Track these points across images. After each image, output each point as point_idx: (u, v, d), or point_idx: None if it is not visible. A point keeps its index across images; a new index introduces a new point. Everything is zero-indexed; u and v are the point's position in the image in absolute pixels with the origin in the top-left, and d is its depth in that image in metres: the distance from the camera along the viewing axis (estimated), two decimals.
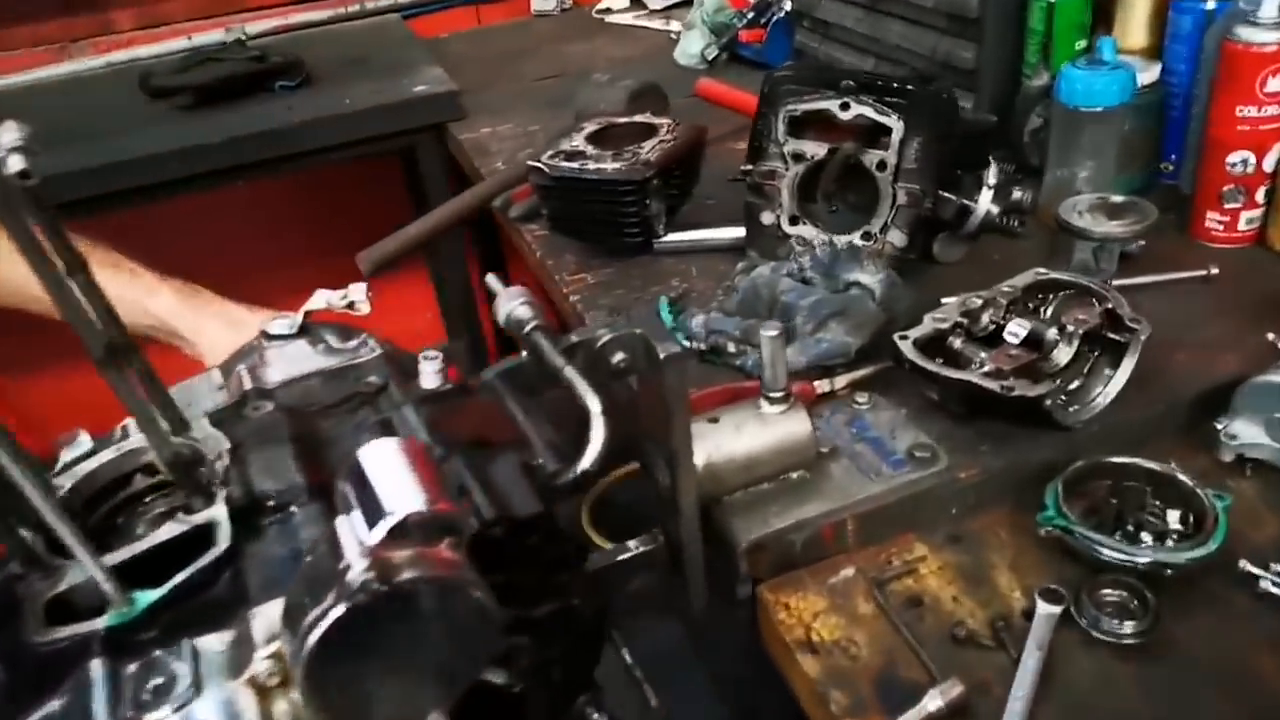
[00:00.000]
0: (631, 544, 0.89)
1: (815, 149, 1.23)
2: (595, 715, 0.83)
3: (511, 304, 0.82)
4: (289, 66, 2.09)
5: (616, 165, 1.32)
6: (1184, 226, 1.32)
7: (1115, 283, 1.22)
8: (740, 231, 1.35)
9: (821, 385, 1.07)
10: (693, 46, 2.20)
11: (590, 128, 1.43)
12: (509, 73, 2.31)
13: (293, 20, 2.55)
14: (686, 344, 1.18)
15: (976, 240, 1.31)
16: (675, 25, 2.43)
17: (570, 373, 0.74)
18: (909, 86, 1.18)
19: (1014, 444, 0.98)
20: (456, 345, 2.33)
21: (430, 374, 0.75)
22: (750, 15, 2.10)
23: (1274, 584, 0.83)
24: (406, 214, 2.01)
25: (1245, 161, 1.21)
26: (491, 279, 0.87)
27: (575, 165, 1.33)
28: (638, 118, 1.46)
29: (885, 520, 0.94)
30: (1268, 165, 1.21)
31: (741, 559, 0.91)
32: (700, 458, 0.90)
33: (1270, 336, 1.03)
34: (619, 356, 0.81)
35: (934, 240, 1.30)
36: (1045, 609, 0.83)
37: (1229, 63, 1.18)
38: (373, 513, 0.54)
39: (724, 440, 0.92)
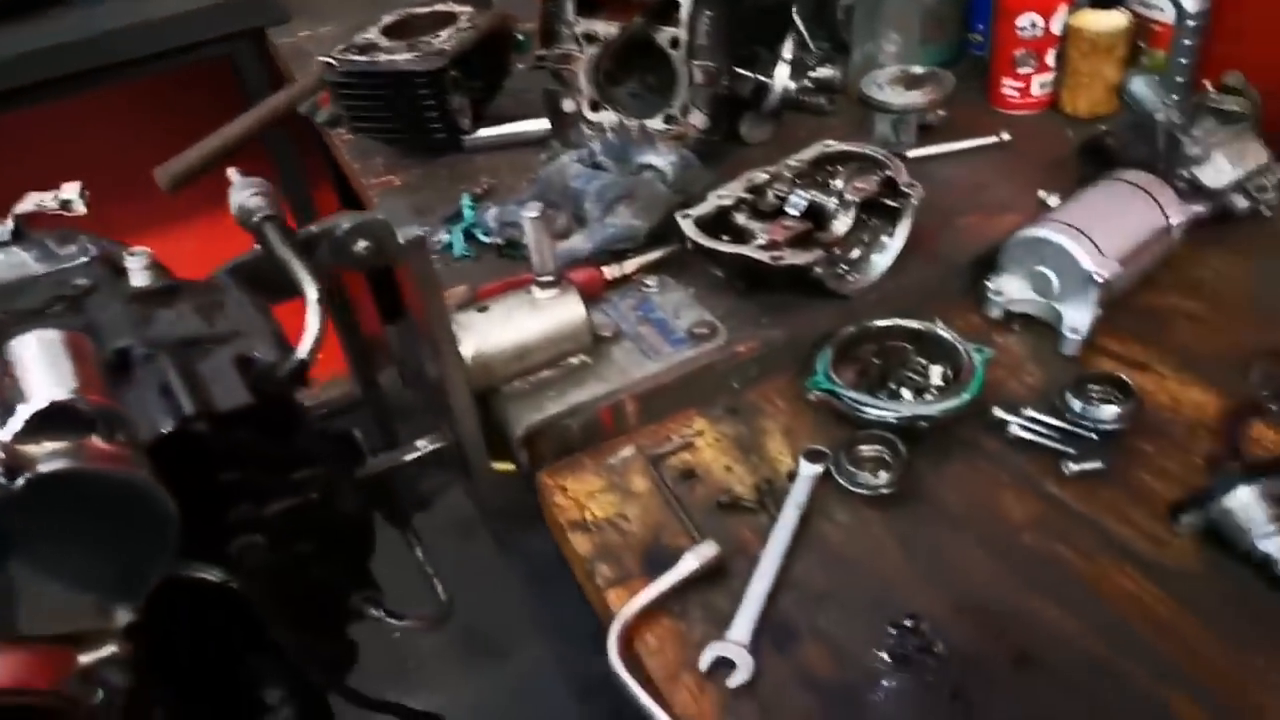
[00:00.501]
0: (420, 443, 0.88)
1: (606, 28, 1.19)
2: (372, 611, 0.83)
3: (242, 194, 0.78)
4: None
5: (409, 56, 1.26)
6: (986, 96, 1.33)
7: (915, 153, 1.23)
8: (545, 124, 1.31)
9: (611, 270, 1.05)
10: None
11: (387, 19, 1.37)
12: None
13: None
14: (485, 239, 1.15)
15: (781, 119, 1.30)
16: None
17: (288, 259, 0.71)
18: None
19: (794, 316, 0.99)
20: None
21: (138, 271, 0.71)
22: None
23: (1021, 428, 0.85)
24: None
25: (1034, 24, 1.22)
26: (232, 171, 0.83)
27: (366, 59, 1.27)
28: (437, 6, 1.39)
29: (665, 398, 0.94)
30: (1055, 27, 1.22)
31: (519, 447, 0.90)
32: (469, 348, 0.89)
33: (1040, 194, 1.04)
34: (362, 245, 0.78)
35: (739, 121, 1.29)
36: (807, 469, 0.85)
37: None
38: (11, 405, 0.51)
39: (493, 329, 0.90)
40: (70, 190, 0.78)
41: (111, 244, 0.79)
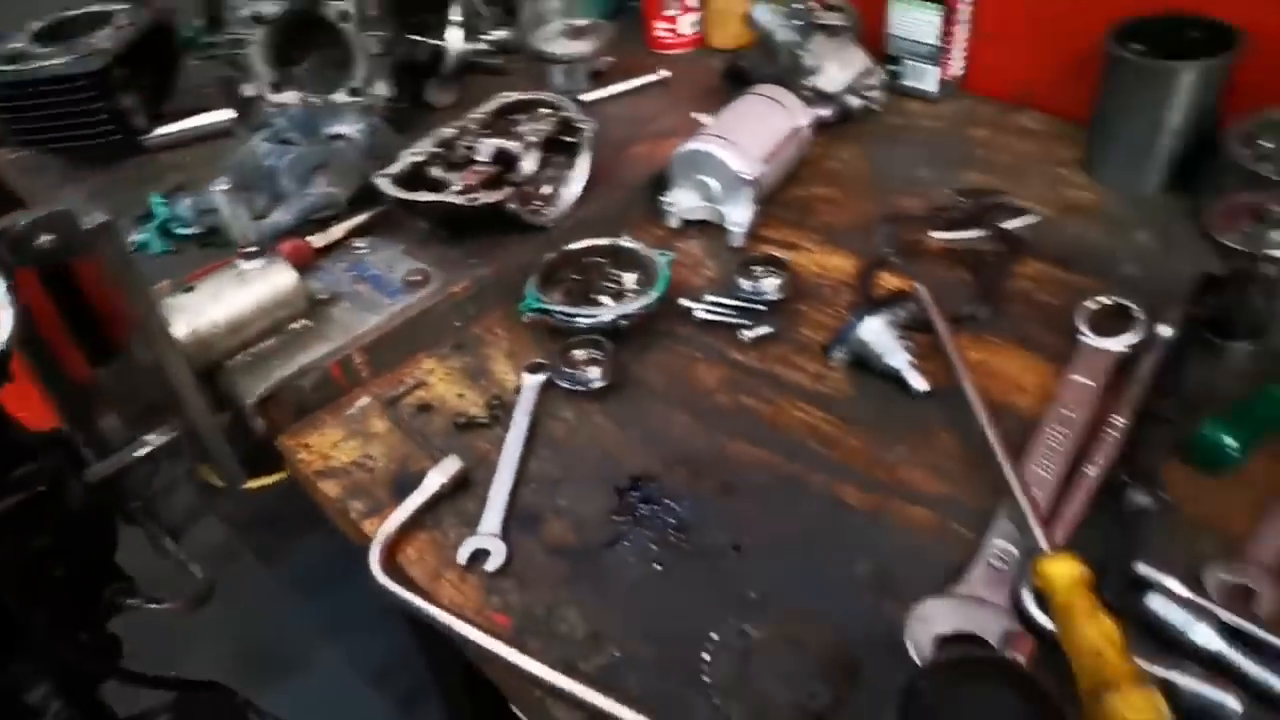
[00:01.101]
0: (150, 438, 0.88)
1: (272, 7, 1.21)
2: (129, 601, 0.83)
3: None
4: None
5: (67, 59, 1.22)
6: (644, 40, 1.47)
7: (589, 96, 1.35)
8: (231, 113, 1.31)
9: (318, 239, 1.09)
10: None
11: (36, 25, 1.31)
12: None
13: None
14: (184, 231, 1.15)
15: (464, 81, 1.37)
16: None
17: None
18: None
19: (501, 252, 1.07)
20: None
21: None
22: None
23: (705, 311, 0.99)
24: None
25: None
26: None
27: (16, 67, 1.21)
28: (90, 8, 1.34)
29: (392, 346, 1.00)
30: None
31: (253, 416, 0.93)
32: (182, 328, 0.90)
33: (694, 115, 1.19)
34: (45, 239, 0.78)
35: (423, 87, 1.35)
36: (529, 380, 0.94)
37: None
38: None
39: (205, 306, 0.92)
40: None
41: None
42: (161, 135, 1.33)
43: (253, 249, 0.93)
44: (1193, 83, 0.99)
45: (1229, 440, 0.75)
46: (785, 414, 0.88)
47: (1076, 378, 0.85)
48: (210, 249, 1.13)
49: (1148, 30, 1.04)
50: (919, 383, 0.86)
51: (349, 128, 1.16)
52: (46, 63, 1.22)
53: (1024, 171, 1.15)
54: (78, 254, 0.80)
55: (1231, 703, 0.59)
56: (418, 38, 1.27)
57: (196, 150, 1.34)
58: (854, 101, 1.23)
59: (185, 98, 1.40)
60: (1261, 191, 0.80)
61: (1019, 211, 1.05)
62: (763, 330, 0.96)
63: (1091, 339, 0.88)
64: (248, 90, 1.27)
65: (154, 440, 0.88)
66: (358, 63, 1.25)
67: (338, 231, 1.10)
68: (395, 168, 1.08)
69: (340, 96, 1.26)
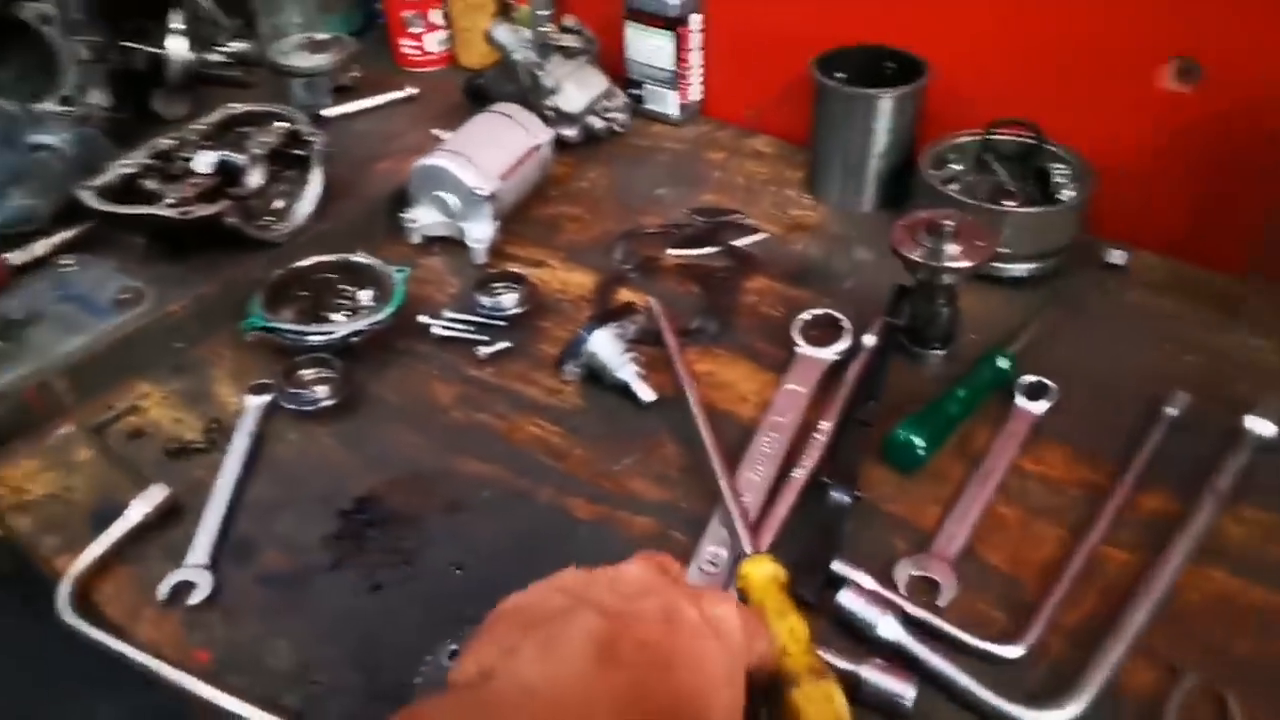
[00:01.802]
0: None
1: None
2: None
3: None
4: None
5: None
6: (392, 58, 1.45)
7: (331, 111, 1.31)
8: None
9: (17, 256, 1.00)
10: None
11: None
12: None
13: None
14: None
15: (197, 92, 1.30)
16: None
17: None
18: None
19: (226, 269, 1.02)
20: None
21: None
22: None
23: (443, 327, 0.98)
24: None
25: None
26: None
27: None
28: None
29: (100, 370, 0.93)
30: None
31: None
32: None
33: (434, 131, 1.18)
34: None
35: (149, 97, 1.27)
36: (251, 401, 0.89)
37: None
38: None
39: None
40: None
41: None
42: None
43: None
44: (890, 109, 1.09)
45: (918, 440, 0.82)
46: (519, 429, 0.88)
47: (790, 386, 0.90)
48: None
49: (849, 60, 1.13)
50: (646, 393, 0.89)
51: (54, 138, 1.07)
52: None
53: (756, 192, 1.21)
54: None
55: (909, 693, 0.63)
56: (134, 44, 1.19)
57: None
58: (597, 123, 1.26)
59: None
60: (934, 208, 0.88)
61: (750, 230, 1.11)
62: (500, 346, 0.96)
63: (805, 349, 0.94)
64: None
65: None
66: (66, 70, 1.15)
67: (40, 248, 1.01)
68: (102, 179, 1.00)
69: (50, 105, 1.16)
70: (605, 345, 0.90)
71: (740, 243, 1.10)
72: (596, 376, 0.92)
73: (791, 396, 0.89)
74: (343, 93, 1.36)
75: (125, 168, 1.02)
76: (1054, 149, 1.04)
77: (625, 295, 1.04)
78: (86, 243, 1.04)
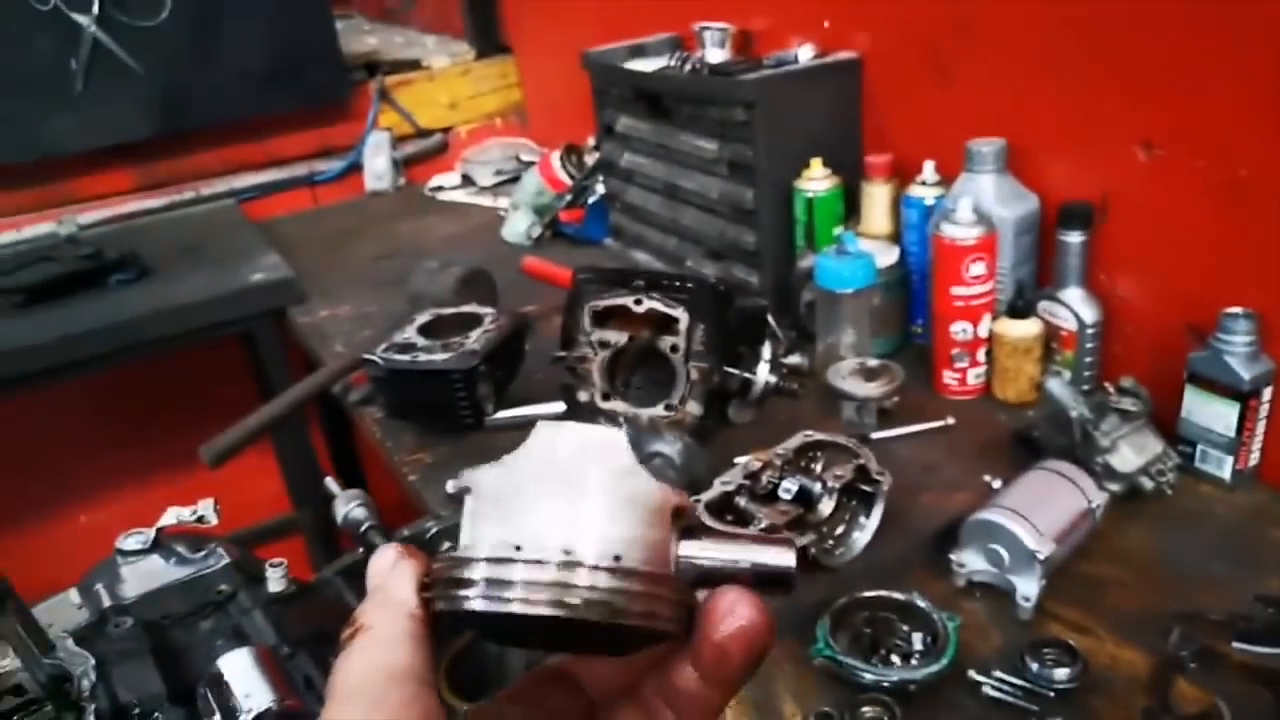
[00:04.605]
0: None
1: (617, 337, 1.43)
2: None
3: (348, 506, 0.95)
4: (124, 261, 2.17)
5: (445, 356, 1.48)
6: (930, 383, 1.58)
7: (876, 435, 1.46)
8: (562, 406, 1.52)
9: None
10: (519, 226, 2.41)
11: (421, 319, 1.59)
12: (345, 253, 2.45)
13: (127, 209, 2.62)
14: None
15: (763, 403, 1.53)
16: (503, 203, 2.62)
17: None
18: (689, 284, 1.40)
19: (797, 590, 1.16)
20: (304, 514, 2.39)
21: (276, 579, 0.86)
22: (569, 198, 2.33)
23: (994, 689, 1.02)
24: (250, 396, 2.10)
25: (965, 329, 1.49)
26: (329, 482, 1.00)
27: (407, 358, 1.48)
28: (464, 308, 1.63)
29: None
30: (982, 331, 1.49)
31: None
32: None
33: (986, 478, 1.26)
34: (446, 546, 0.95)
35: (727, 406, 1.51)
36: None
37: (938, 253, 1.47)
38: (229, 714, 0.65)
39: None
40: (205, 507, 0.94)
41: (238, 548, 0.95)
42: (500, 418, 1.55)
43: None
44: None
45: None
46: None
47: None
48: None
49: None
50: None
51: (668, 447, 1.32)
52: (429, 356, 1.48)
53: None
54: None
55: None
56: (733, 370, 1.44)
57: (525, 432, 1.55)
58: (1147, 483, 1.26)
59: (522, 385, 1.63)
60: None
61: None
62: None
63: None
64: (581, 396, 1.47)
65: None
66: (679, 385, 1.43)
67: None
68: (709, 494, 1.21)
69: (656, 410, 1.44)
70: None
71: None
72: None
73: None
74: (884, 415, 1.50)
75: (724, 485, 1.22)
76: None
77: (1185, 690, 1.00)
78: None
